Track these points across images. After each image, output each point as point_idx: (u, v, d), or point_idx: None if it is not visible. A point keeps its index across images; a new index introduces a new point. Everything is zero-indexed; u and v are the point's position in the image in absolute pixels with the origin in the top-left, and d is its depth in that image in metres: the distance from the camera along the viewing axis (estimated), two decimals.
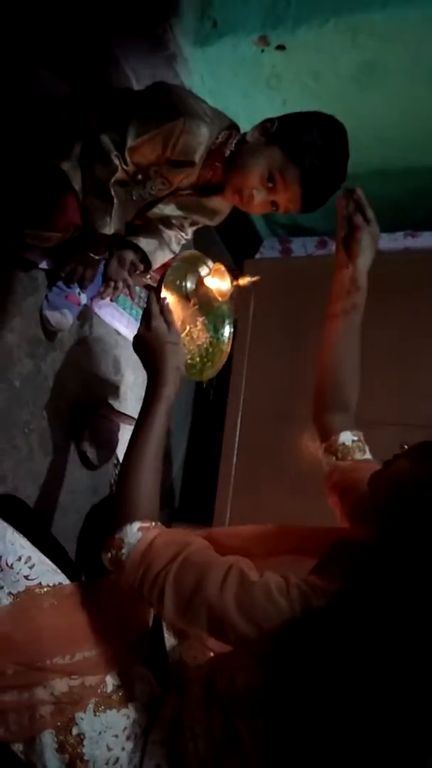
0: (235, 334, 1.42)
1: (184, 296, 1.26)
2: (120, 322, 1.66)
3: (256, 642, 0.75)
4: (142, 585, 0.84)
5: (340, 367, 1.21)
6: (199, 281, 1.28)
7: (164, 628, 1.04)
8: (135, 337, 1.10)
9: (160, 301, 1.12)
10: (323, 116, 1.20)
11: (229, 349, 1.41)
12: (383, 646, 0.69)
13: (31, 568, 0.91)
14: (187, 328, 1.23)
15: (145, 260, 1.39)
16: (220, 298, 1.31)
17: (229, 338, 1.41)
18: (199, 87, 1.80)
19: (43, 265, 1.33)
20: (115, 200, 1.20)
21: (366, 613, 0.71)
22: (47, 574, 0.93)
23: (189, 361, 1.29)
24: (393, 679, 0.68)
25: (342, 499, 1.11)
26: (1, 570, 0.89)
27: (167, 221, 1.40)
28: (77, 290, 1.33)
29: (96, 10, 1.48)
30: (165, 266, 1.52)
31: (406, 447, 0.90)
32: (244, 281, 1.32)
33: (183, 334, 1.26)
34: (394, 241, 2.10)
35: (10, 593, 0.89)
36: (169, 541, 0.87)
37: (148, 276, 1.46)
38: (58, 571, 0.96)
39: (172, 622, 0.83)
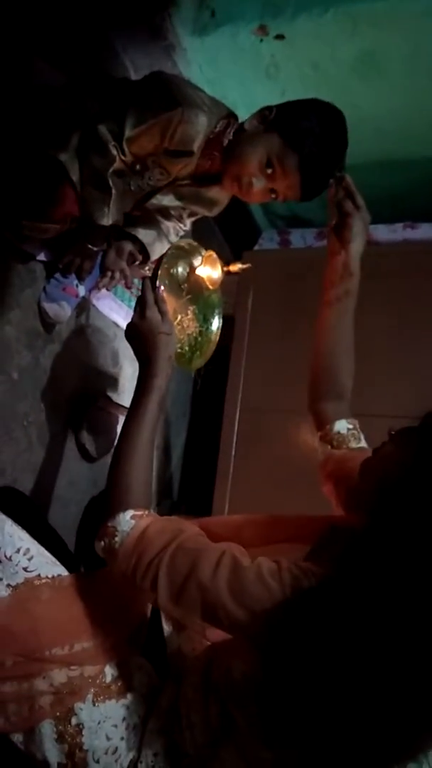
0: (230, 330, 1.43)
1: (177, 285, 1.26)
2: (118, 314, 1.66)
3: (248, 625, 0.76)
4: (135, 572, 0.84)
5: (335, 354, 1.21)
6: (191, 270, 1.28)
7: (162, 619, 1.05)
8: (128, 325, 1.11)
9: (155, 290, 1.12)
10: (322, 103, 1.19)
11: (217, 339, 1.42)
12: (373, 627, 0.69)
13: (29, 560, 0.92)
14: (179, 317, 1.23)
15: (144, 251, 1.38)
16: (211, 287, 1.31)
17: (218, 328, 1.41)
18: (197, 77, 1.79)
19: (41, 256, 1.32)
20: (113, 191, 1.19)
21: (356, 595, 0.72)
22: (46, 566, 0.94)
23: (179, 350, 1.30)
24: (384, 659, 0.68)
25: (337, 488, 1.12)
26: (0, 562, 0.89)
27: (166, 212, 1.39)
28: (75, 282, 1.33)
29: None
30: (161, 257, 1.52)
31: (393, 433, 0.91)
32: (235, 268, 1.32)
33: (174, 323, 1.26)
34: (393, 233, 2.09)
35: (8, 585, 0.89)
36: (162, 529, 0.88)
37: (146, 267, 1.45)
38: (57, 563, 0.97)
39: (166, 608, 0.84)
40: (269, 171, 1.17)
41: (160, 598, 0.82)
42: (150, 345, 1.07)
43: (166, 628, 1.05)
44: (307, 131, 1.14)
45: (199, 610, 0.80)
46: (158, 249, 1.41)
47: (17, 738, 0.87)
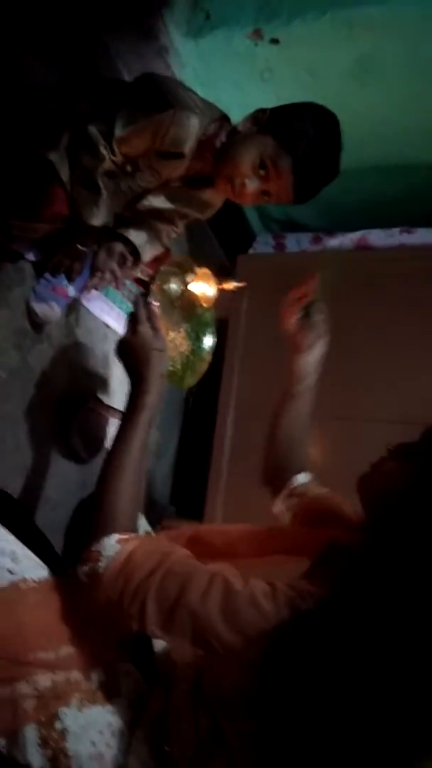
0: (224, 334, 1.42)
1: (170, 302, 1.25)
2: (109, 315, 1.65)
3: (243, 651, 0.74)
4: (122, 598, 0.82)
5: (297, 443, 1.30)
6: (185, 286, 1.27)
7: None
8: (119, 342, 1.09)
9: (148, 306, 1.10)
10: (316, 106, 1.20)
11: (210, 358, 1.41)
12: (372, 648, 0.68)
13: (15, 562, 0.90)
14: (171, 334, 1.22)
15: (135, 253, 1.37)
16: (204, 304, 1.30)
17: (210, 347, 1.40)
18: (191, 79, 1.79)
19: (30, 256, 1.31)
20: (104, 191, 1.19)
21: (355, 616, 0.70)
22: (32, 568, 0.92)
23: (170, 368, 1.28)
24: (382, 680, 0.67)
25: (304, 524, 1.16)
26: None
27: (158, 214, 1.39)
28: (65, 282, 1.32)
29: None
30: (155, 267, 1.51)
31: (391, 449, 0.90)
32: (229, 286, 1.32)
33: (167, 341, 1.25)
34: (390, 237, 2.09)
35: None
36: (149, 552, 0.85)
37: (138, 270, 1.45)
38: (44, 566, 0.95)
39: (154, 635, 0.81)
40: (262, 172, 1.16)
41: (148, 625, 0.80)
42: (142, 362, 1.04)
43: None
44: (301, 133, 1.14)
45: (189, 635, 0.78)
46: (150, 251, 1.41)
47: (0, 742, 0.85)
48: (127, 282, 1.66)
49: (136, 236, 1.37)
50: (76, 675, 0.88)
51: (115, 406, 1.63)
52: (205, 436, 2.12)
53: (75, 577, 0.94)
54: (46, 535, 1.25)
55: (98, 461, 1.64)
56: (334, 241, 2.17)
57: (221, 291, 1.33)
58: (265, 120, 1.18)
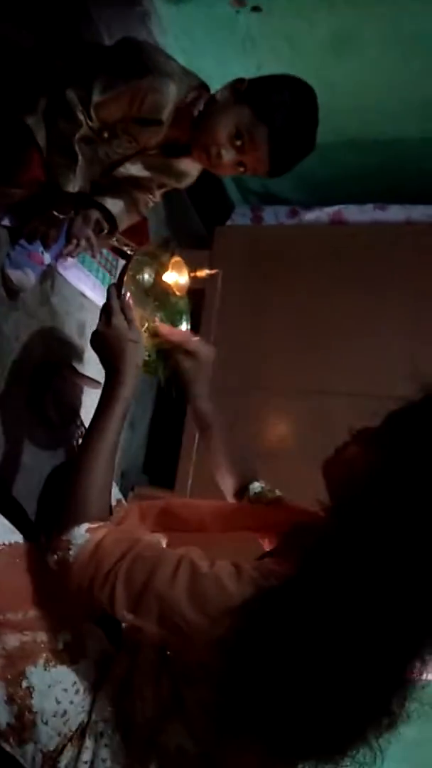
0: (198, 299, 1.41)
1: (143, 292, 1.25)
2: (86, 284, 1.64)
3: (208, 629, 0.76)
4: (93, 585, 0.83)
5: (237, 462, 1.30)
6: (158, 276, 1.27)
7: None
8: (94, 333, 1.08)
9: (121, 297, 1.09)
10: (295, 79, 1.19)
11: None
12: (333, 626, 0.70)
13: None
14: (145, 324, 1.22)
15: (111, 221, 1.36)
16: (177, 293, 1.30)
17: None
18: (172, 46, 1.76)
19: (6, 222, 1.29)
20: (80, 157, 1.18)
21: (317, 594, 0.72)
22: (4, 533, 0.93)
23: (145, 358, 1.28)
24: (340, 658, 0.70)
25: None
26: None
27: (135, 182, 1.38)
28: (40, 249, 1.31)
29: None
30: (136, 239, 1.50)
31: (355, 433, 0.92)
32: (202, 273, 1.31)
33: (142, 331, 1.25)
34: (363, 213, 2.10)
35: None
36: (118, 539, 0.87)
37: (114, 239, 1.44)
38: (15, 530, 0.96)
39: (124, 619, 0.82)
40: (238, 143, 1.16)
41: (117, 608, 0.81)
42: (117, 354, 1.04)
43: None
44: (279, 105, 1.13)
45: (156, 618, 0.79)
46: (126, 220, 1.40)
47: None
48: (104, 251, 1.66)
49: (113, 204, 1.36)
50: (43, 636, 0.90)
51: (90, 375, 1.63)
52: (178, 406, 2.13)
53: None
54: (19, 501, 1.26)
55: (72, 429, 1.65)
56: (311, 215, 2.17)
57: (194, 279, 1.32)
58: (243, 90, 1.17)
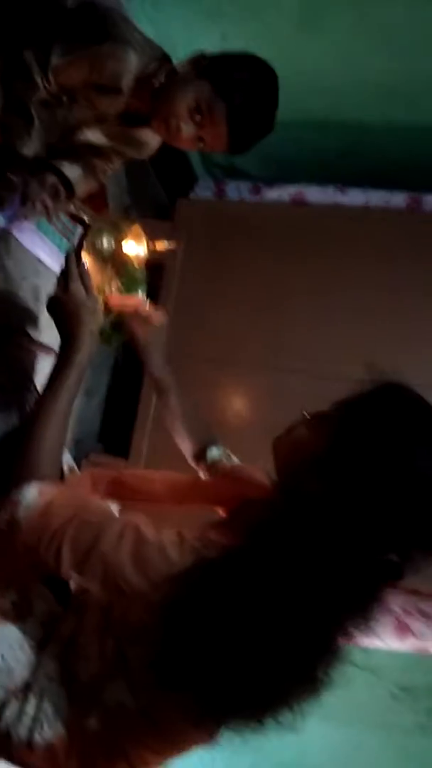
0: (159, 278, 1.42)
1: (101, 259, 1.25)
2: (42, 249, 1.62)
3: (148, 593, 0.79)
4: (40, 544, 0.85)
5: (188, 424, 1.33)
6: (117, 245, 1.27)
7: None
8: (50, 298, 1.08)
9: (80, 264, 1.10)
10: (257, 60, 1.20)
11: None
12: (264, 598, 0.75)
13: None
14: (101, 292, 1.22)
15: (68, 186, 1.35)
16: (136, 263, 1.30)
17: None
18: (137, 11, 1.73)
19: None
20: (36, 120, 1.16)
21: (252, 567, 0.77)
22: None
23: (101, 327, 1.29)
24: (268, 626, 0.74)
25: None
26: None
27: (94, 149, 1.36)
28: None
29: None
30: (94, 206, 1.49)
31: (306, 415, 0.95)
32: (161, 246, 1.32)
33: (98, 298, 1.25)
34: (324, 194, 2.12)
35: None
36: (67, 502, 0.89)
37: (71, 204, 1.43)
38: None
39: (68, 577, 0.86)
40: (198, 117, 1.16)
41: (63, 568, 0.84)
42: (73, 320, 1.05)
43: None
44: (239, 83, 1.14)
45: (100, 579, 0.82)
46: (84, 186, 1.39)
47: None
48: (62, 216, 1.64)
49: (70, 169, 1.34)
50: None
51: (44, 343, 1.63)
52: (136, 375, 2.14)
53: None
54: None
55: (24, 394, 1.64)
56: (273, 193, 2.18)
57: (153, 251, 1.33)
58: (205, 65, 1.17)
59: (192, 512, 1.13)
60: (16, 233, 1.51)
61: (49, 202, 1.33)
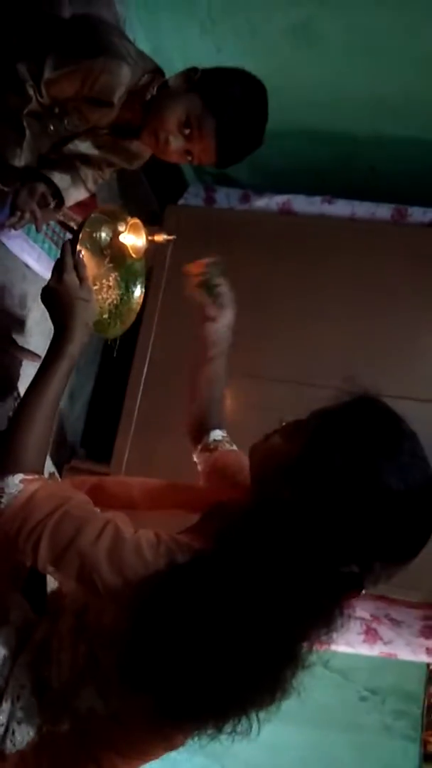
0: (147, 292, 1.42)
1: (99, 250, 1.25)
2: (30, 255, 1.63)
3: (119, 590, 0.80)
4: (19, 535, 0.85)
5: (216, 401, 1.35)
6: (115, 236, 1.27)
7: None
8: (44, 289, 1.07)
9: (75, 254, 1.08)
10: (248, 75, 1.21)
11: (138, 308, 1.40)
12: (231, 602, 0.76)
13: None
14: (98, 284, 1.22)
15: (57, 195, 1.35)
16: (134, 255, 1.30)
17: (139, 297, 1.40)
18: (133, 20, 1.75)
19: None
20: (27, 132, 1.17)
21: (219, 573, 0.78)
22: None
23: (98, 317, 1.28)
24: (233, 630, 0.75)
25: (211, 478, 1.22)
26: None
27: (85, 158, 1.37)
28: None
29: None
30: (80, 211, 1.49)
31: (283, 423, 0.96)
32: (159, 238, 1.32)
33: (94, 290, 1.23)
34: (311, 205, 2.14)
35: None
36: (50, 495, 0.89)
37: (62, 213, 1.43)
38: None
39: (45, 571, 0.86)
40: (187, 131, 1.18)
41: (40, 560, 0.84)
42: (66, 311, 1.04)
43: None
44: (229, 98, 1.16)
45: (75, 573, 0.82)
46: (74, 195, 1.39)
47: None
48: (52, 223, 1.64)
49: (60, 179, 1.35)
50: None
51: (31, 349, 1.63)
52: (120, 381, 2.15)
53: None
54: None
55: (9, 401, 1.65)
56: (261, 202, 2.20)
57: (151, 243, 1.33)
58: (196, 79, 1.18)
59: (167, 517, 1.14)
60: (4, 240, 1.52)
61: (38, 212, 1.34)
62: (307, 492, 0.79)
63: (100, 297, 1.30)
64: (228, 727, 0.78)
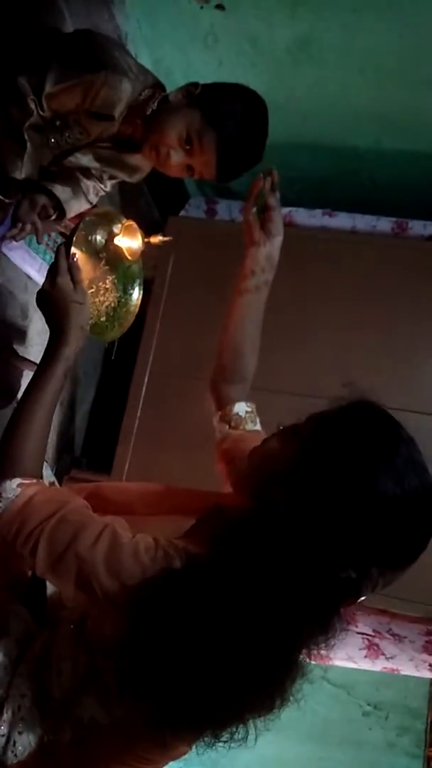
0: (147, 294, 1.41)
1: (95, 253, 1.25)
2: (32, 266, 1.64)
3: (118, 595, 0.80)
4: (16, 539, 0.86)
5: (246, 341, 1.26)
6: (110, 238, 1.27)
7: None
8: (39, 293, 1.08)
9: (69, 257, 1.09)
10: (248, 91, 1.22)
11: (136, 311, 1.40)
12: (228, 608, 0.76)
13: None
14: (95, 286, 1.22)
15: (59, 207, 1.36)
16: (130, 257, 1.30)
17: (137, 300, 1.40)
18: (135, 33, 1.76)
19: None
20: (29, 145, 1.18)
21: (216, 578, 0.78)
22: None
23: (95, 321, 1.28)
24: (230, 637, 0.75)
25: (228, 466, 1.18)
26: None
27: (86, 171, 1.38)
28: None
29: None
30: (80, 217, 1.50)
31: (281, 428, 0.96)
32: (155, 240, 1.32)
33: (90, 293, 1.23)
34: (312, 218, 2.15)
35: None
36: (48, 499, 0.89)
37: (63, 224, 1.44)
38: None
39: (43, 575, 0.86)
40: (188, 146, 1.18)
41: (38, 564, 0.84)
42: (61, 314, 1.04)
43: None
44: (229, 113, 1.17)
45: (73, 577, 0.83)
46: (75, 207, 1.40)
47: None
48: (54, 234, 1.65)
49: (62, 191, 1.36)
50: None
51: (32, 359, 1.64)
52: (121, 390, 2.15)
53: None
54: None
55: (8, 412, 1.65)
56: None
57: (147, 245, 1.32)
58: (196, 94, 1.19)
59: (166, 521, 1.14)
60: (5, 251, 1.53)
61: (39, 224, 1.35)
62: (303, 496, 0.79)
63: (96, 300, 1.29)
64: (226, 735, 0.78)
